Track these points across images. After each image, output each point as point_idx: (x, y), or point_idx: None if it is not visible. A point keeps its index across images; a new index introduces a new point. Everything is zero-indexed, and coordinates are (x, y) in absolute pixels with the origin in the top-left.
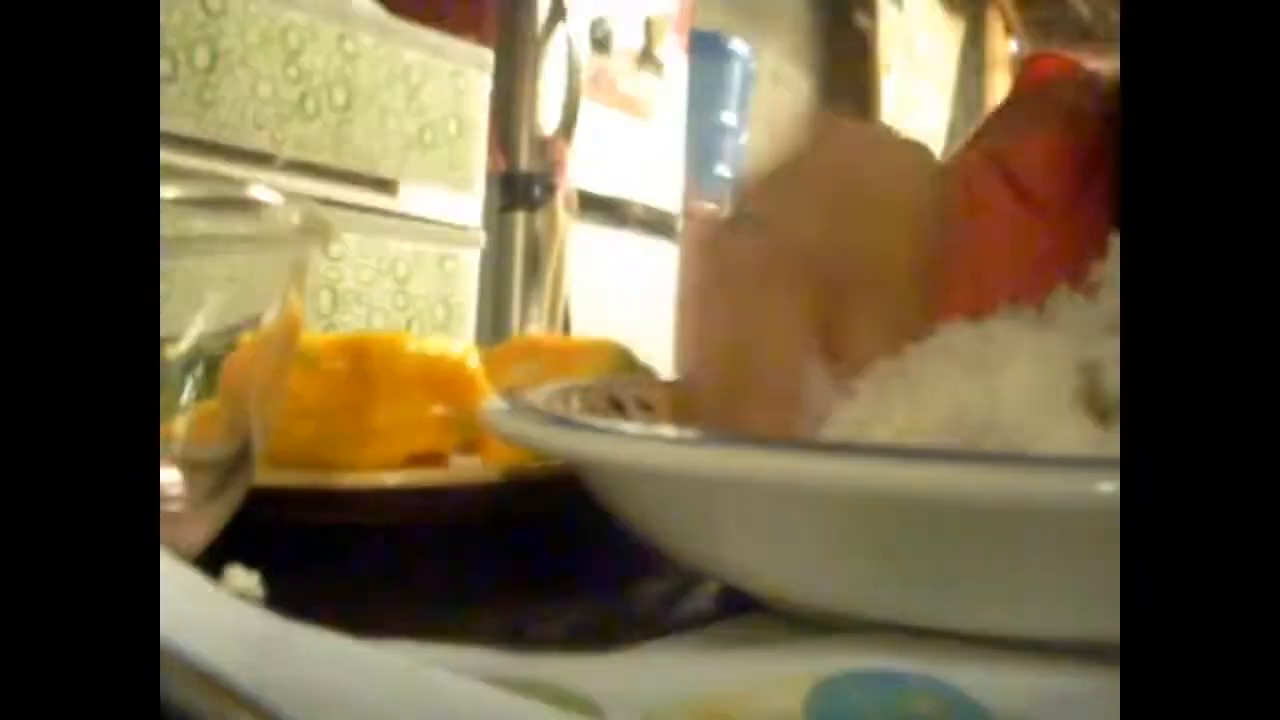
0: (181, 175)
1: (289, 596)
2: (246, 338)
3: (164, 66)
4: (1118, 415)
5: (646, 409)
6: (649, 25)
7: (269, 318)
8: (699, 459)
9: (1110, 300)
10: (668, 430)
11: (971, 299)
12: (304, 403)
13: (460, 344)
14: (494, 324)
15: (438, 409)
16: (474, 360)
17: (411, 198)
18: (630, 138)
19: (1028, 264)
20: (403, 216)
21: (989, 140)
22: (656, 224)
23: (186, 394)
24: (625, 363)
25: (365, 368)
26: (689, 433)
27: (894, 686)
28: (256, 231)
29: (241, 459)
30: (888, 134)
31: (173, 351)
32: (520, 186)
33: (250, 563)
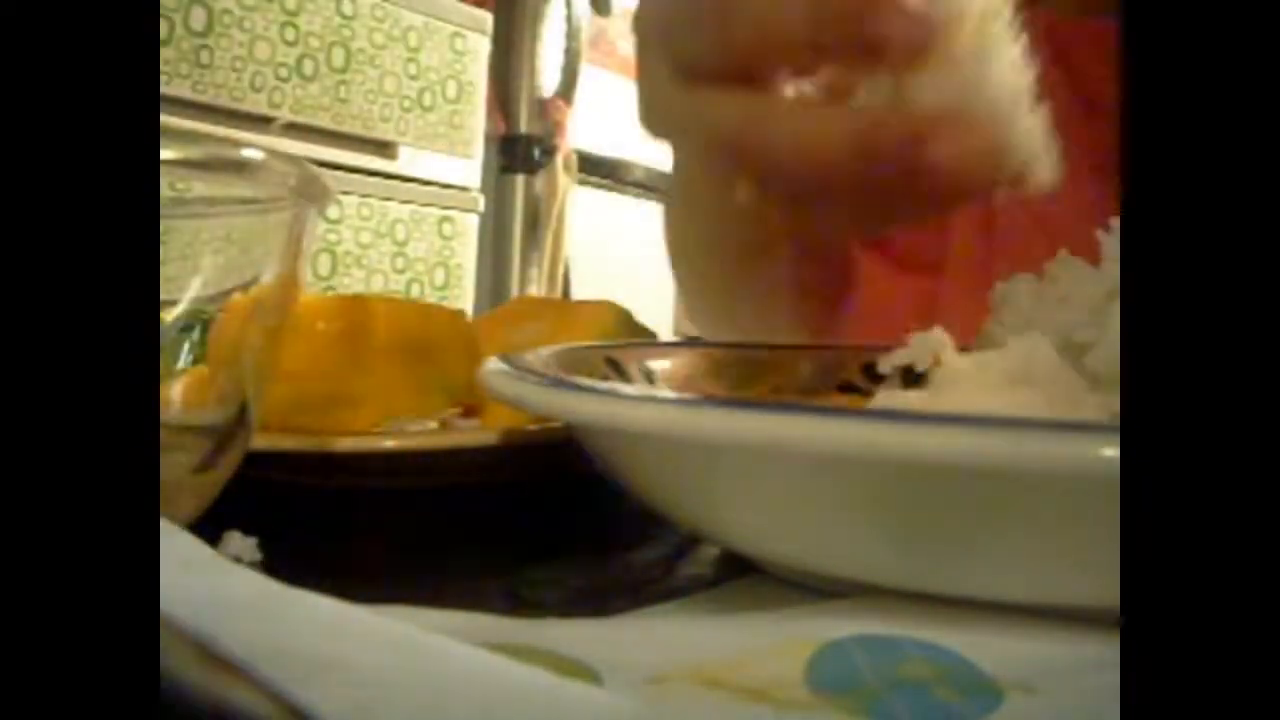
0: (178, 137)
1: (287, 561)
2: (236, 299)
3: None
4: (1111, 385)
5: (647, 371)
6: None
7: (266, 281)
8: (698, 421)
9: (1112, 268)
10: (667, 392)
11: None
12: (282, 365)
13: (448, 307)
14: (494, 286)
15: (420, 373)
16: (462, 323)
17: (410, 160)
18: (630, 100)
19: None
20: (402, 179)
21: (1040, 8)
22: (657, 186)
23: (183, 358)
24: (625, 325)
25: (346, 331)
26: (688, 395)
27: (894, 652)
28: (254, 194)
29: (238, 424)
30: None
31: (169, 315)
32: (520, 149)
33: (248, 528)
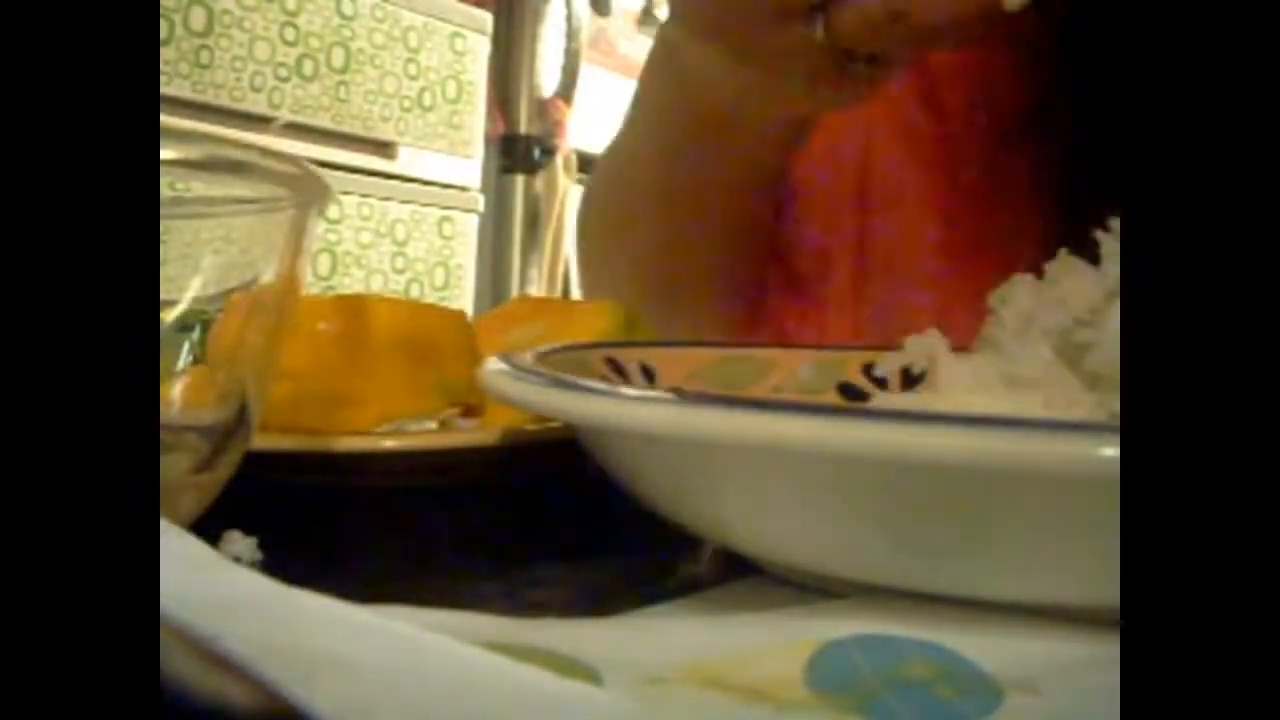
0: (178, 137)
1: (287, 561)
2: (236, 299)
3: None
4: (1110, 385)
5: (647, 372)
6: None
7: (266, 281)
8: (700, 421)
9: (1112, 266)
10: (668, 393)
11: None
12: (282, 365)
13: (449, 307)
14: (494, 286)
15: (420, 374)
16: (462, 324)
17: (410, 160)
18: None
19: (935, 185)
20: (402, 179)
21: None
22: None
23: (183, 358)
24: (625, 325)
25: (346, 331)
26: (689, 395)
27: (894, 652)
28: (254, 194)
29: (238, 424)
30: None
31: (169, 315)
32: (519, 149)
33: (248, 528)
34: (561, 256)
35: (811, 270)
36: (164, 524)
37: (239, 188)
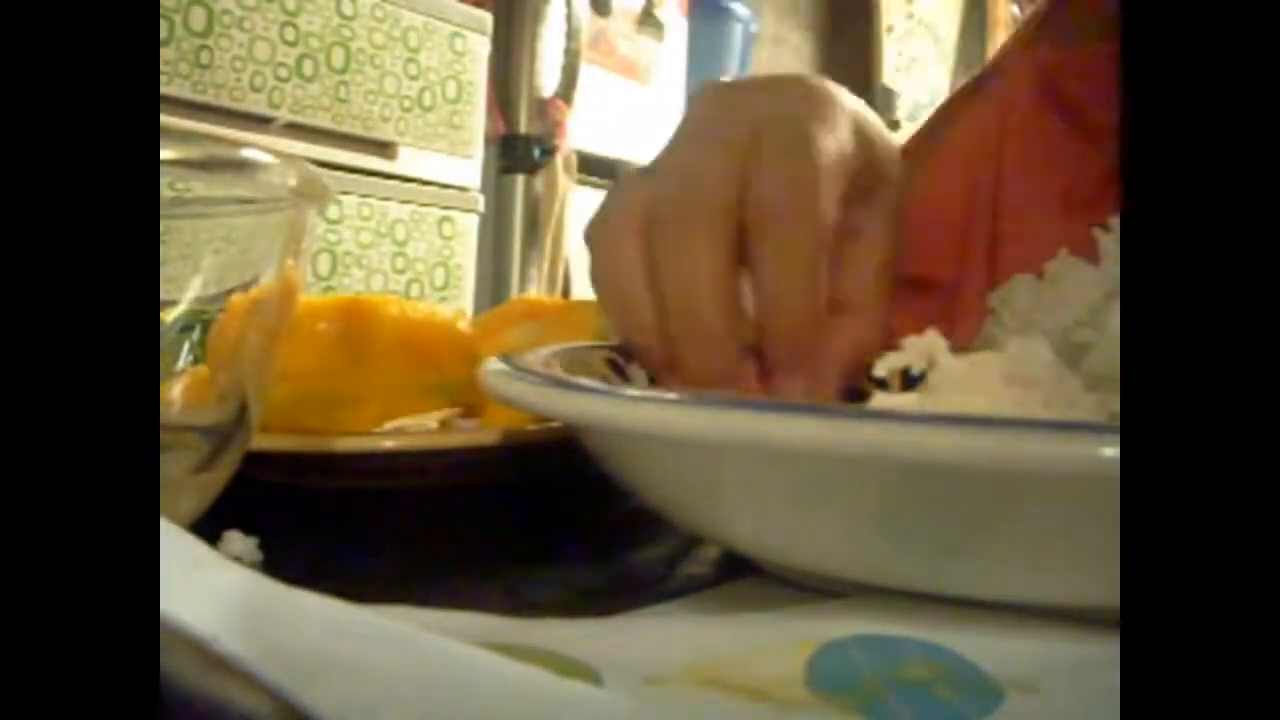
0: (178, 137)
1: (287, 561)
2: (235, 300)
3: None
4: (1110, 385)
5: (648, 371)
6: None
7: (266, 281)
8: (699, 421)
9: (1112, 266)
10: (667, 392)
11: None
12: (283, 365)
13: (448, 308)
14: (494, 286)
15: (420, 374)
16: (462, 324)
17: (410, 160)
18: (630, 100)
19: (1083, 197)
20: (402, 179)
21: (1037, 48)
22: None
23: (183, 358)
24: None
25: (346, 331)
26: (689, 395)
27: (894, 652)
28: (254, 194)
29: (238, 424)
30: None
31: (169, 315)
32: (519, 149)
33: (248, 528)
34: (562, 256)
35: (940, 286)
36: (164, 524)
37: (239, 188)
